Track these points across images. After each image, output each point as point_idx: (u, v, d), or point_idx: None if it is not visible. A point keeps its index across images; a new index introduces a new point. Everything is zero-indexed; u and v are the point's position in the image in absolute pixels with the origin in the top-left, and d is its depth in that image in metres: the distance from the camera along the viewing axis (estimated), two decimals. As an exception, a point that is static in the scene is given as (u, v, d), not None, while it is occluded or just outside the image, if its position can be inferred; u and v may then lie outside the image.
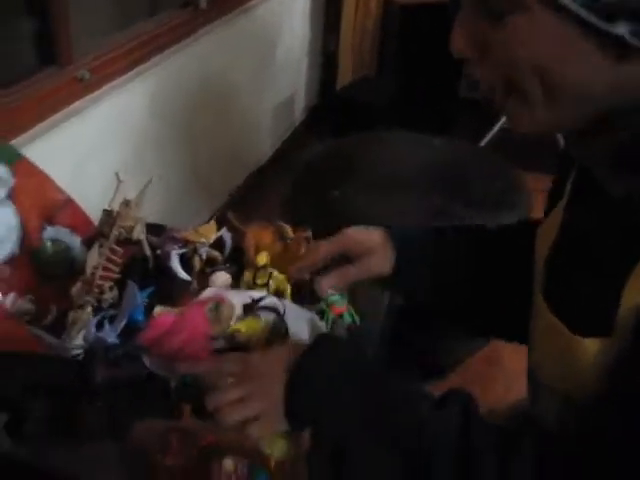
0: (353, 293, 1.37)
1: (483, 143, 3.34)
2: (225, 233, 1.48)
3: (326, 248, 0.98)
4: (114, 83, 2.05)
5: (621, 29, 0.55)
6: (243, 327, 1.19)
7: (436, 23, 3.66)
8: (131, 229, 1.38)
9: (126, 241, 1.41)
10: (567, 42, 0.58)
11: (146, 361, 1.16)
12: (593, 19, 0.56)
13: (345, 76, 3.88)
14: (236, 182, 3.09)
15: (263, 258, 1.34)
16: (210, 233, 1.43)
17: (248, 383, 0.82)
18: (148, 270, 1.44)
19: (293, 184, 2.17)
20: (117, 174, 1.38)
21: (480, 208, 2.01)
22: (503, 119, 3.46)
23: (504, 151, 2.58)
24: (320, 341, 0.83)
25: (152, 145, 2.26)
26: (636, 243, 0.62)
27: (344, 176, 2.11)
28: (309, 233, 1.33)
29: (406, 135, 2.43)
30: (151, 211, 1.87)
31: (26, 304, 1.32)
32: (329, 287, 0.97)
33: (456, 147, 2.39)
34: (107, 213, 1.38)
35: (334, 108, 3.64)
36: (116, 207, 1.37)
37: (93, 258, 1.29)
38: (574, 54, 0.59)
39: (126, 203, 1.38)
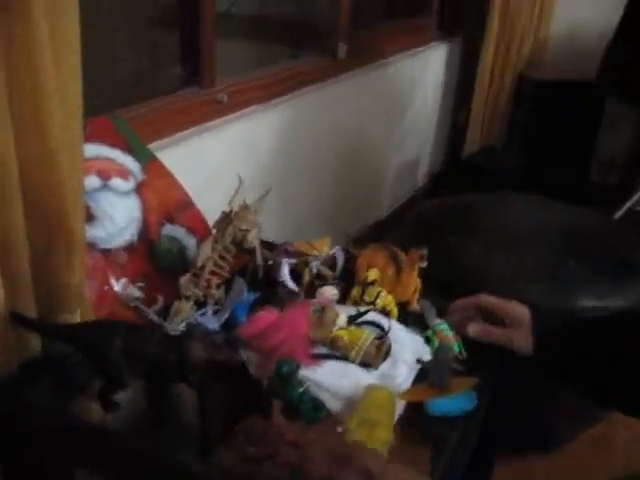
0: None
1: (617, 216, 3.21)
2: (338, 252, 1.46)
3: (463, 301, 1.20)
4: (248, 110, 2.13)
5: None
6: (346, 334, 1.15)
7: (572, 101, 3.64)
8: (246, 233, 1.38)
9: (240, 247, 1.42)
10: None
11: (244, 356, 1.14)
12: None
13: (471, 148, 3.86)
14: (350, 231, 3.09)
15: (373, 274, 1.31)
16: (323, 247, 1.42)
17: None
18: (257, 278, 1.44)
19: (405, 229, 2.13)
20: (239, 176, 1.40)
21: (600, 272, 1.91)
22: (635, 198, 3.31)
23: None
24: None
25: (276, 175, 2.30)
26: None
27: (458, 226, 2.07)
28: (424, 251, 1.29)
29: (527, 197, 2.36)
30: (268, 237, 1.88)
31: (136, 291, 1.34)
32: (473, 333, 1.16)
33: (581, 213, 2.29)
34: (225, 214, 1.39)
35: (457, 174, 3.61)
36: (235, 208, 1.38)
37: (206, 251, 1.30)
38: None
39: (245, 206, 1.39)
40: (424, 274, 1.62)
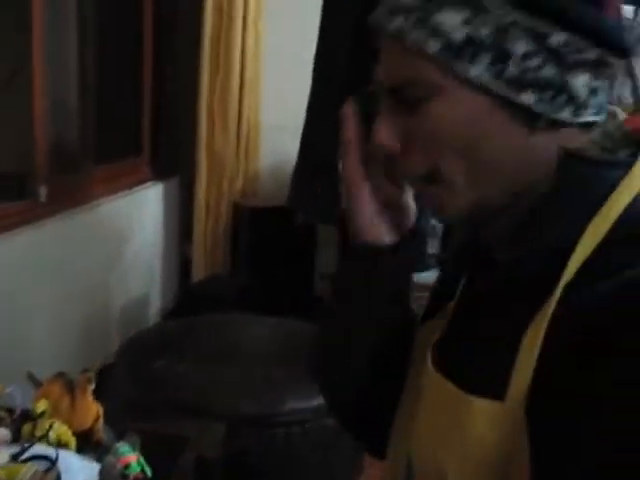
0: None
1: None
2: (14, 391, 1.39)
3: None
4: None
5: (528, 98, 0.60)
6: (2, 473, 1.08)
7: (287, 225, 3.90)
8: None
9: None
10: (482, 116, 0.61)
11: None
12: (502, 90, 0.60)
13: (199, 278, 3.95)
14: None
15: (40, 406, 1.27)
16: (-7, 388, 1.34)
17: None
18: None
19: (116, 358, 2.10)
20: None
21: (302, 376, 2.02)
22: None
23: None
24: None
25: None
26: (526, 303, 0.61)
27: (168, 349, 2.09)
28: (90, 374, 1.28)
29: (242, 316, 2.46)
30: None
31: None
32: None
33: (295, 326, 2.43)
34: None
35: (188, 307, 3.66)
36: None
37: None
38: (490, 128, 0.62)
39: None
40: (132, 401, 1.60)
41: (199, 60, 3.84)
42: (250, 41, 3.98)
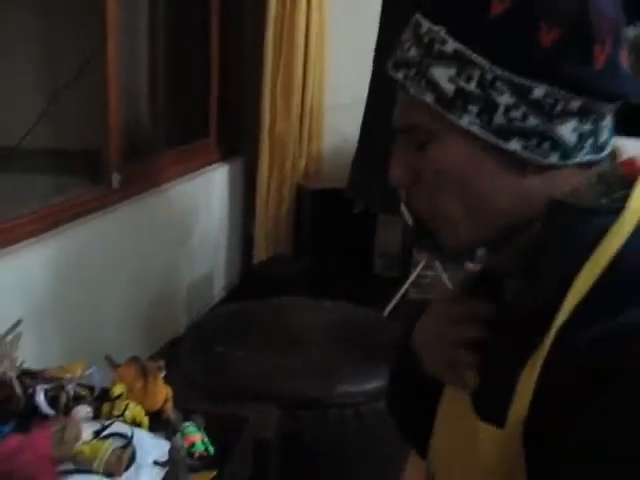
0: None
1: (387, 311, 3.52)
2: (94, 372, 1.55)
3: None
4: (17, 246, 2.19)
5: (514, 145, 0.66)
6: (87, 449, 1.24)
7: (348, 206, 4.00)
8: (-2, 365, 1.44)
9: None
10: (475, 160, 0.68)
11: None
12: (490, 138, 0.66)
13: (261, 258, 4.09)
14: (146, 353, 3.14)
15: (118, 389, 1.42)
16: (76, 370, 1.50)
17: None
18: (19, 408, 1.49)
19: (183, 342, 2.26)
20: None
21: (362, 363, 2.13)
22: (402, 290, 3.66)
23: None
24: None
25: (57, 309, 2.35)
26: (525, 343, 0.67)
27: (229, 334, 2.23)
28: (161, 363, 1.42)
29: (299, 300, 2.59)
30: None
31: None
32: None
33: (352, 311, 2.54)
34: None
35: (251, 285, 3.82)
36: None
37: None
38: (484, 171, 0.68)
39: (-5, 339, 1.46)
40: (197, 384, 1.75)
41: (263, 43, 3.94)
42: (314, 22, 4.03)
